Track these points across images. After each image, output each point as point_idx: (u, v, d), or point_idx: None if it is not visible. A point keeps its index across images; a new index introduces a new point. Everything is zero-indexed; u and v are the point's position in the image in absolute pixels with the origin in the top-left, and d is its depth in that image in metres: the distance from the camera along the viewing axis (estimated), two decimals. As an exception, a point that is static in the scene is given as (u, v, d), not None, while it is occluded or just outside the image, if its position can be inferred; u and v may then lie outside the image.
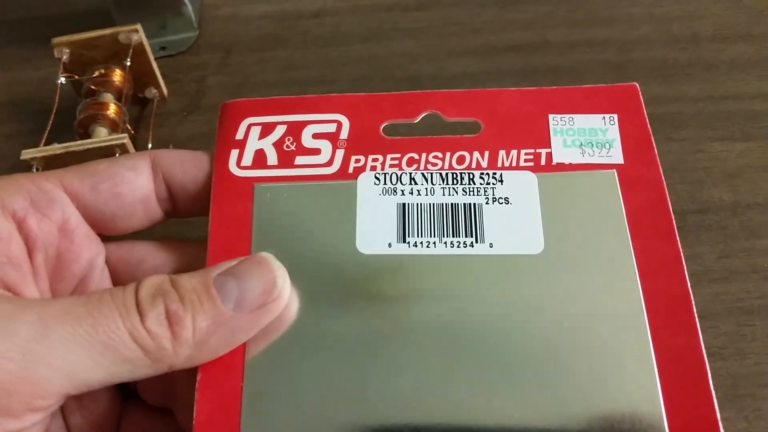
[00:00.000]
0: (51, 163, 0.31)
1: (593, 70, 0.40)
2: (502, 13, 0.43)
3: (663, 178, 0.25)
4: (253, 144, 0.27)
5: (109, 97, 0.36)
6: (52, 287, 0.25)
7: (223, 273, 0.22)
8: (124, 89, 0.37)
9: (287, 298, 0.23)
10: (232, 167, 0.26)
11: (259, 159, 0.26)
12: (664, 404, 0.22)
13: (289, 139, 0.27)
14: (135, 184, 0.25)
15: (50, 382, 0.19)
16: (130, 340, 0.20)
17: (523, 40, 0.42)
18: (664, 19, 0.42)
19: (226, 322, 0.22)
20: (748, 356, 0.28)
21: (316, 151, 0.27)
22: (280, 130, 0.27)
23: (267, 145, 0.27)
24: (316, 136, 0.27)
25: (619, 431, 0.21)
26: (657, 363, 0.22)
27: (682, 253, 0.24)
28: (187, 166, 0.26)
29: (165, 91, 0.40)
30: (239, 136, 0.27)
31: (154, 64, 0.39)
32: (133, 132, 0.38)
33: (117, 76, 0.37)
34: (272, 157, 0.27)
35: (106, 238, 0.26)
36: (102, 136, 0.34)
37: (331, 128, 0.27)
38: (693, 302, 0.23)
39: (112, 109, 0.35)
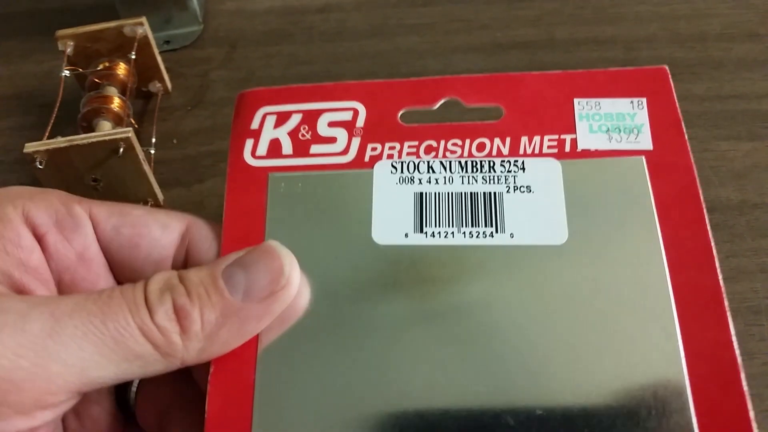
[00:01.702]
0: (54, 157, 0.31)
1: (600, 68, 0.39)
2: (509, 9, 0.43)
3: (693, 164, 0.24)
4: (268, 133, 0.26)
5: (113, 91, 0.36)
6: None
7: (230, 264, 0.22)
8: (128, 83, 0.37)
9: (297, 286, 0.23)
10: (247, 157, 0.26)
11: (274, 148, 0.26)
12: (693, 399, 0.21)
13: (304, 128, 0.26)
14: (157, 242, 0.24)
15: (62, 378, 0.19)
16: (140, 335, 0.20)
17: (529, 37, 0.41)
18: (671, 17, 0.42)
19: (236, 313, 0.21)
20: (755, 356, 0.28)
21: (332, 140, 0.26)
22: (295, 119, 0.27)
23: (282, 134, 0.26)
24: (331, 124, 0.26)
25: (645, 427, 0.21)
26: (686, 357, 0.21)
27: (713, 243, 0.23)
28: (217, 243, 0.25)
29: (169, 85, 0.40)
30: (254, 125, 0.27)
31: (159, 58, 0.39)
32: (137, 126, 0.38)
33: (121, 69, 0.37)
34: (287, 147, 0.26)
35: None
36: (106, 129, 0.34)
37: (347, 116, 0.26)
38: (724, 294, 0.22)
39: (115, 103, 0.35)
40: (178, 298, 0.21)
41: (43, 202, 0.23)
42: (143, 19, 0.37)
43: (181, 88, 0.40)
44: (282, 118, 0.27)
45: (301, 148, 0.26)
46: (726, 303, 0.22)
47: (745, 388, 0.21)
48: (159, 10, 0.42)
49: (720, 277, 0.22)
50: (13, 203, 0.23)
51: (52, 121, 0.34)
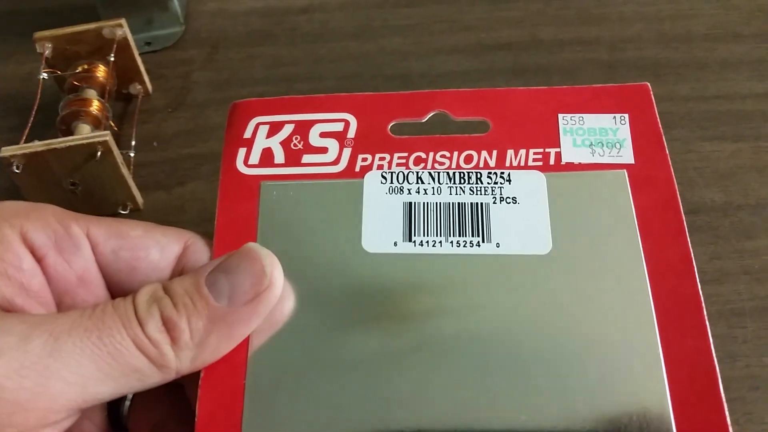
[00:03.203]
0: (32, 161, 0.31)
1: (584, 69, 0.39)
2: (493, 10, 0.43)
3: (674, 178, 0.25)
4: (260, 143, 0.27)
5: (92, 93, 0.35)
6: None
7: (213, 270, 0.22)
8: (108, 85, 0.37)
9: (281, 286, 0.23)
10: (240, 165, 0.26)
11: (267, 157, 0.26)
12: (673, 406, 0.21)
13: (296, 138, 0.27)
14: (155, 265, 0.24)
15: (64, 396, 0.20)
16: (134, 348, 0.21)
17: (513, 38, 0.41)
18: (655, 18, 0.42)
19: (223, 318, 0.22)
20: (738, 359, 0.28)
21: (323, 150, 0.26)
22: (287, 129, 0.27)
23: (274, 143, 0.27)
24: (323, 135, 0.27)
25: None
26: (666, 365, 0.22)
27: (692, 254, 0.23)
28: None
29: (150, 87, 0.39)
30: (247, 134, 0.27)
31: (139, 60, 0.38)
32: (116, 129, 0.38)
33: (101, 71, 0.37)
34: (279, 156, 0.26)
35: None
36: (84, 133, 0.33)
37: (339, 127, 0.27)
38: (703, 304, 0.23)
39: (95, 106, 0.34)
40: (165, 310, 0.21)
41: (39, 221, 0.23)
42: (122, 21, 0.37)
43: (163, 89, 0.40)
44: (274, 128, 0.27)
45: (293, 158, 0.26)
46: (705, 312, 0.22)
47: (723, 395, 0.21)
48: (140, 11, 0.42)
49: (699, 287, 0.23)
50: (10, 222, 0.22)
51: (29, 124, 0.34)
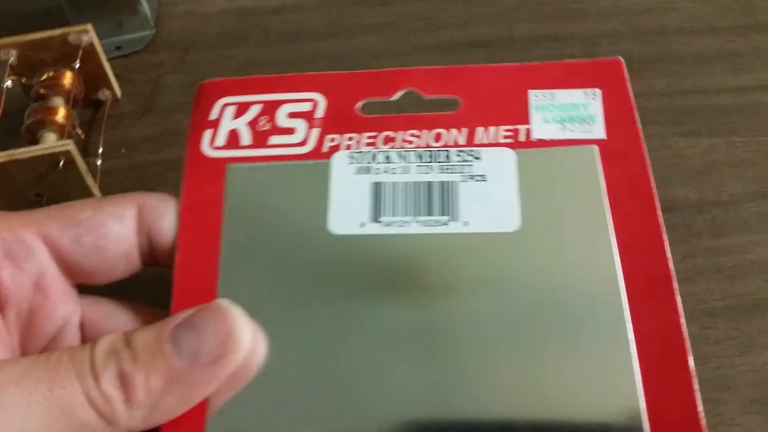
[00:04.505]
0: (-5, 171, 0.30)
1: (558, 65, 0.39)
2: (468, 7, 0.42)
3: (646, 153, 0.25)
4: (227, 124, 0.26)
5: (58, 101, 0.35)
6: (22, 345, 0.24)
7: (179, 324, 0.21)
8: (75, 92, 0.36)
9: (248, 348, 0.21)
10: (205, 148, 0.26)
11: (233, 139, 0.26)
12: (642, 383, 0.21)
13: (263, 119, 0.26)
14: (119, 238, 0.24)
15: None
16: (86, 403, 0.19)
17: (488, 35, 0.41)
18: (632, 11, 0.41)
19: (182, 378, 0.20)
20: (709, 360, 0.28)
21: (291, 131, 0.26)
22: (255, 110, 0.26)
23: (241, 124, 0.26)
24: (291, 115, 0.26)
25: (594, 413, 0.21)
26: (635, 340, 0.22)
27: (664, 229, 0.23)
28: (174, 216, 0.25)
29: (119, 92, 0.39)
30: (213, 116, 0.26)
31: (107, 65, 0.38)
32: (84, 136, 0.37)
33: (67, 78, 0.36)
34: (246, 137, 0.26)
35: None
36: (50, 141, 0.33)
37: (307, 107, 0.26)
38: (674, 279, 0.22)
39: (61, 114, 0.34)
40: (123, 364, 0.20)
41: None
42: (89, 26, 0.36)
43: (132, 94, 0.39)
44: (241, 109, 0.26)
45: (260, 139, 0.26)
46: (676, 286, 0.22)
47: (692, 366, 0.21)
48: (109, 15, 0.41)
49: (670, 261, 0.23)
50: None
51: (-6, 133, 0.33)
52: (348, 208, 0.24)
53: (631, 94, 0.26)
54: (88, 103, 0.38)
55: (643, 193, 0.24)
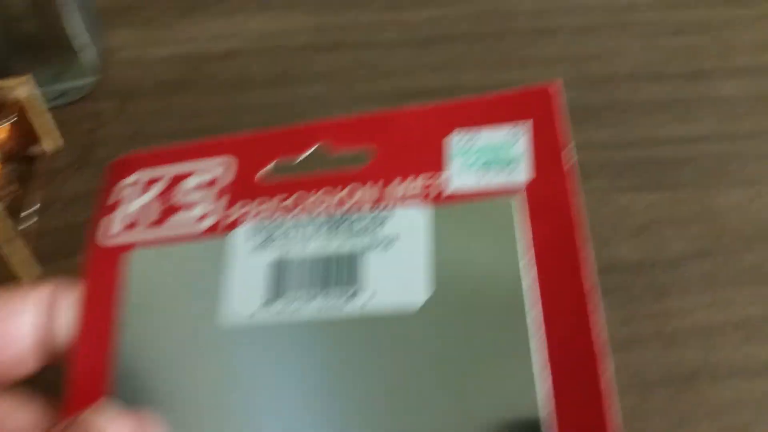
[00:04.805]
0: None
1: (504, 116, 0.38)
2: (415, 54, 0.42)
3: (577, 199, 0.22)
4: (130, 204, 0.25)
5: (-10, 159, 0.34)
6: None
7: None
8: (10, 147, 0.35)
9: None
10: (106, 232, 0.24)
11: (136, 221, 0.24)
12: None
13: (167, 194, 0.25)
14: (25, 330, 0.22)
15: None
16: None
17: (434, 84, 0.40)
18: (579, 58, 0.41)
19: None
20: (647, 434, 0.27)
21: (194, 205, 0.24)
22: (160, 185, 0.25)
23: (145, 203, 0.25)
24: (195, 187, 0.25)
25: None
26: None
27: (591, 296, 0.20)
28: (72, 312, 0.23)
29: (57, 144, 0.38)
30: (117, 196, 0.25)
31: (47, 116, 0.37)
32: (20, 191, 0.36)
33: (3, 132, 0.35)
34: (149, 217, 0.24)
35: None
36: (-23, 203, 0.32)
37: (212, 176, 0.25)
38: (601, 358, 0.20)
39: (-10, 173, 0.33)
40: None
41: None
42: (25, 78, 0.36)
43: (70, 147, 0.38)
44: (146, 185, 0.25)
45: (162, 218, 0.24)
46: (602, 369, 0.20)
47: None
48: (51, 61, 0.40)
49: (598, 331, 0.20)
50: None
51: None
52: (244, 293, 0.22)
53: (563, 127, 0.23)
54: (23, 158, 0.37)
55: (571, 249, 0.21)
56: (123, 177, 0.25)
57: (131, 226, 0.24)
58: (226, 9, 0.45)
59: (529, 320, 0.21)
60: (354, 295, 0.22)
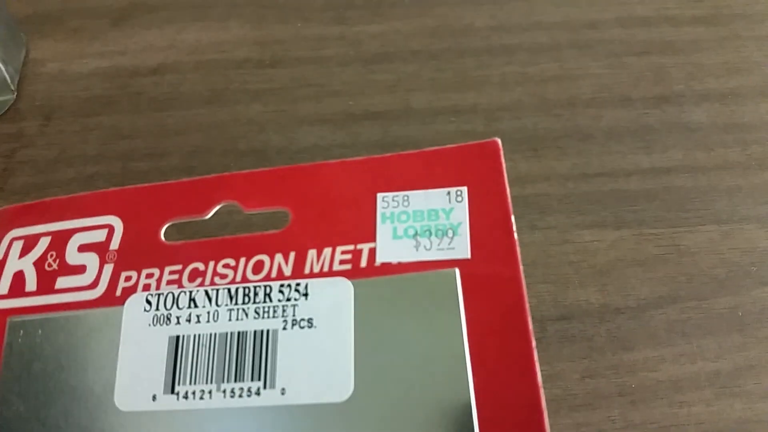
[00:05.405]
0: None
1: (457, 142, 0.35)
2: (364, 72, 0.39)
3: (522, 275, 0.19)
4: (12, 266, 0.22)
5: None
6: None
7: None
8: None
9: None
10: None
11: (17, 285, 0.21)
12: None
13: (51, 256, 0.22)
14: None
15: None
16: None
17: (384, 105, 0.37)
18: (539, 79, 0.38)
19: None
20: None
21: (81, 269, 0.21)
22: (43, 244, 0.22)
23: (27, 265, 0.22)
24: (82, 248, 0.22)
25: None
26: None
27: (540, 385, 0.18)
28: None
29: (-40, 170, 0.34)
30: None
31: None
32: None
33: None
34: (31, 281, 0.21)
35: None
36: None
37: (101, 236, 0.22)
38: None
39: None
40: None
41: None
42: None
43: (-22, 172, 0.35)
44: (29, 244, 0.22)
45: (46, 283, 0.21)
46: None
47: None
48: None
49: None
50: None
51: None
52: (139, 374, 0.20)
53: (508, 192, 0.21)
54: None
55: (516, 333, 0.19)
56: (1, 232, 0.22)
57: (17, 287, 0.21)
58: (160, 19, 0.41)
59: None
60: (259, 392, 0.19)
